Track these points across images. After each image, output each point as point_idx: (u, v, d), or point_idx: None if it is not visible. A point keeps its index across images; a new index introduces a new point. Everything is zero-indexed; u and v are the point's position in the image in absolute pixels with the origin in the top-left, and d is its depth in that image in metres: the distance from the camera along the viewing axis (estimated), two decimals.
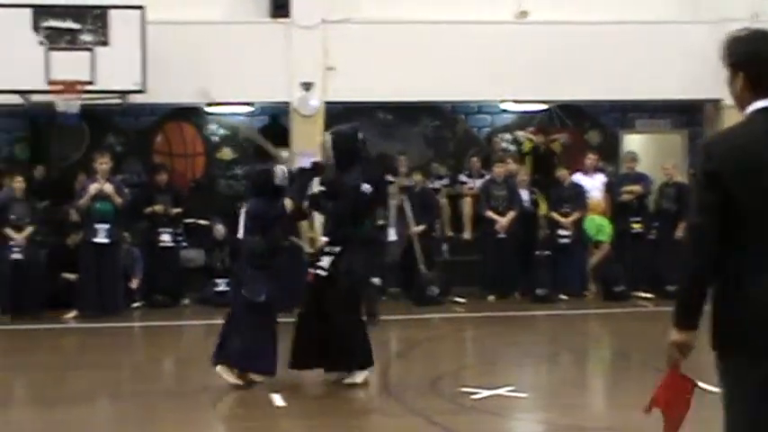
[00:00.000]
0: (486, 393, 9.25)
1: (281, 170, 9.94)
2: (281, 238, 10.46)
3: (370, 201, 9.55)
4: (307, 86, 16.98)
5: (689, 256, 4.26)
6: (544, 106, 19.14)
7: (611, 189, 17.28)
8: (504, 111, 19.41)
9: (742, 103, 4.27)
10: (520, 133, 18.85)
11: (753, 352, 4.10)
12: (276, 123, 18.73)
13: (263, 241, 9.61)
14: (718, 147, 4.21)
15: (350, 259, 9.52)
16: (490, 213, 16.47)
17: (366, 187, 9.48)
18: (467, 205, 17.72)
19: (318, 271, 9.58)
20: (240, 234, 9.88)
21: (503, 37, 17.45)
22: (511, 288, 16.46)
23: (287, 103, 17.31)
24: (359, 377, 9.63)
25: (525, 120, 19.46)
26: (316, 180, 10.27)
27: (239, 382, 9.58)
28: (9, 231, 14.86)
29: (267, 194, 9.75)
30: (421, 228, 16.46)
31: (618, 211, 17.01)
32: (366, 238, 9.59)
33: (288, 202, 9.71)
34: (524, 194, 16.94)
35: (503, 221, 16.36)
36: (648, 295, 16.13)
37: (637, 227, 16.80)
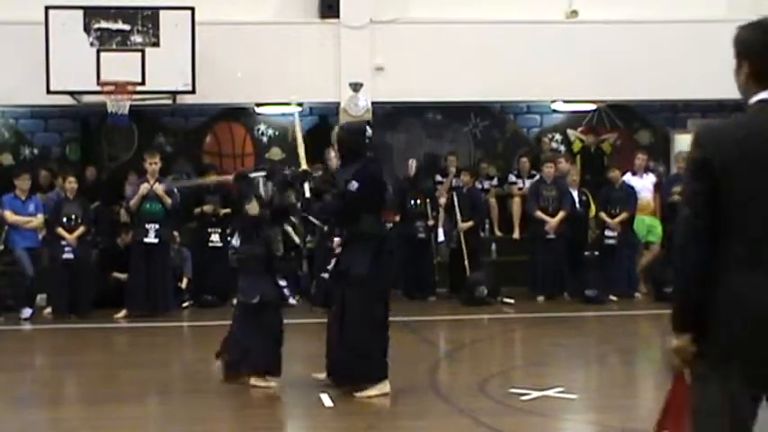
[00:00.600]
0: (535, 394, 9.19)
1: (260, 179, 10.10)
2: (273, 243, 10.68)
3: (355, 198, 9.45)
4: (355, 87, 16.99)
5: (682, 250, 4.02)
6: (594, 106, 19.04)
7: (661, 189, 17.14)
8: (554, 111, 19.32)
9: (746, 93, 4.11)
10: (570, 132, 18.75)
11: (733, 359, 3.93)
12: (324, 124, 18.76)
13: (254, 247, 9.81)
14: (713, 134, 4.05)
15: (349, 258, 9.42)
16: (539, 213, 16.38)
17: (353, 185, 9.33)
18: (515, 205, 17.66)
19: (324, 274, 9.53)
20: (234, 241, 10.29)
21: (553, 36, 17.37)
22: (560, 289, 16.37)
23: (336, 103, 17.33)
24: (373, 390, 9.27)
25: (575, 119, 19.37)
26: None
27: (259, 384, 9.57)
28: (61, 231, 14.98)
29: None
30: (469, 224, 16.45)
31: (669, 211, 16.84)
32: (365, 235, 9.41)
33: (253, 207, 9.81)
34: (575, 195, 16.83)
35: (552, 222, 16.26)
36: None
37: None
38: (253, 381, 9.59)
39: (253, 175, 10.33)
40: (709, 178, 3.94)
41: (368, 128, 9.68)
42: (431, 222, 16.66)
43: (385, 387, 9.28)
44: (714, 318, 3.95)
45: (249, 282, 9.73)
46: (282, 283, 11.04)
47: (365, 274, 9.16)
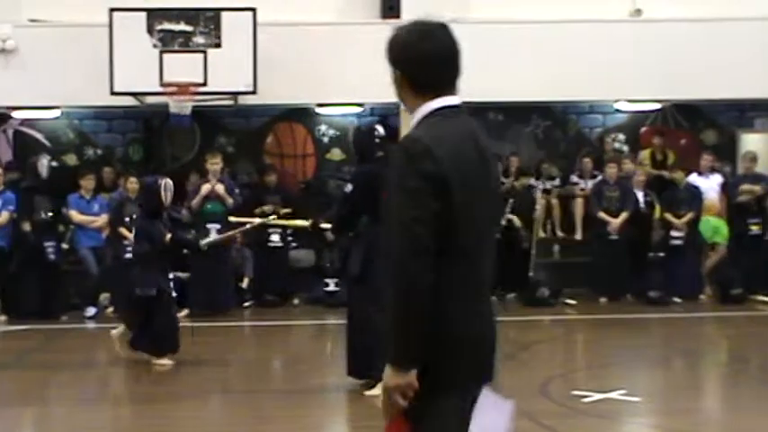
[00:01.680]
0: (597, 397, 9.10)
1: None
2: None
3: (350, 200, 9.49)
4: None
5: (405, 271, 3.59)
6: (658, 105, 18.82)
7: (727, 190, 16.92)
8: (617, 110, 19.13)
9: (407, 102, 3.88)
10: (642, 154, 18.47)
11: (451, 381, 3.73)
12: (385, 124, 18.71)
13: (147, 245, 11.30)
14: (441, 148, 3.66)
15: (348, 259, 9.57)
16: (602, 214, 16.22)
17: (348, 187, 9.61)
18: (578, 206, 17.51)
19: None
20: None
21: (616, 35, 17.19)
22: (623, 290, 16.20)
23: (396, 104, 17.22)
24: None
25: (639, 119, 19.16)
26: None
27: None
28: (123, 231, 15.09)
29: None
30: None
31: (735, 212, 16.64)
32: (361, 236, 9.44)
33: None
34: (639, 195, 16.64)
35: (615, 223, 16.10)
36: (766, 298, 15.74)
37: (755, 228, 16.42)
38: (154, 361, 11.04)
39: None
40: (442, 195, 3.62)
41: (379, 128, 9.67)
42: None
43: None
44: (441, 344, 3.68)
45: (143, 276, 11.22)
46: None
47: (358, 275, 9.34)
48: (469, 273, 3.74)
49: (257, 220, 13.76)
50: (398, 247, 3.61)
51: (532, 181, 17.41)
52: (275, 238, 16.13)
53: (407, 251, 3.59)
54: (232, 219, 14.19)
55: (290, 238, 16.42)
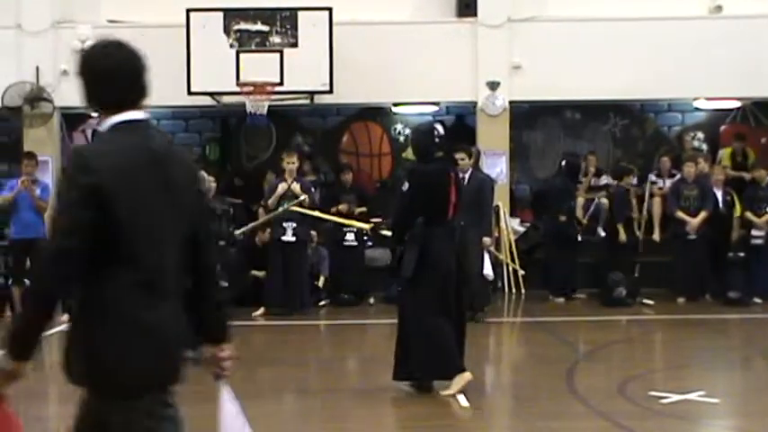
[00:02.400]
0: (675, 398, 8.98)
1: None
2: None
3: (406, 198, 9.42)
4: (493, 86, 16.89)
5: (41, 277, 3.84)
6: (738, 103, 18.55)
7: None
8: (696, 109, 18.90)
9: (98, 115, 4.11)
10: (722, 152, 18.22)
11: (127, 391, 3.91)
12: (462, 123, 18.70)
13: None
14: (101, 160, 3.86)
15: (400, 258, 9.48)
16: (680, 214, 15.98)
17: (405, 185, 9.51)
18: (656, 206, 17.29)
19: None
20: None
21: (695, 32, 16.99)
22: (702, 290, 15.97)
23: (473, 102, 17.26)
24: (452, 388, 9.25)
25: (718, 118, 18.90)
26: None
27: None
28: None
29: None
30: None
31: None
32: (414, 237, 9.38)
33: None
34: (719, 194, 16.38)
35: (693, 222, 15.86)
36: None
37: None
38: None
39: None
40: (99, 205, 3.79)
41: (438, 127, 9.61)
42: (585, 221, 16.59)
43: (458, 384, 9.21)
44: (110, 352, 3.84)
45: None
46: None
47: (410, 276, 9.25)
48: (142, 279, 3.87)
49: (296, 207, 13.96)
50: (44, 252, 3.87)
51: (634, 180, 17.23)
52: (350, 236, 16.14)
53: (48, 259, 3.83)
54: (270, 202, 14.37)
55: (365, 237, 16.43)
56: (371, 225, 11.79)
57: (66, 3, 17.28)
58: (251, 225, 14.45)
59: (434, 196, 9.39)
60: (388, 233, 10.36)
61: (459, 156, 13.54)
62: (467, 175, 13.52)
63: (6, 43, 16.89)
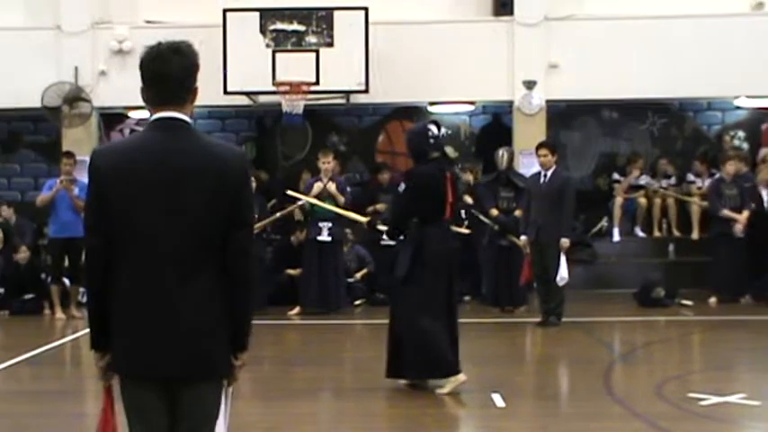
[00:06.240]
0: (715, 400, 8.88)
1: None
2: None
3: (402, 199, 9.46)
4: (529, 85, 16.81)
5: (85, 273, 4.28)
6: None
7: None
8: (737, 107, 18.73)
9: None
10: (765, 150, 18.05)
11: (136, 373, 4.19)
12: (498, 123, 18.64)
13: None
14: (102, 161, 4.16)
15: (397, 260, 9.48)
16: (727, 212, 15.72)
17: (401, 186, 9.53)
18: (695, 205, 17.16)
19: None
20: None
21: (736, 30, 16.85)
22: (742, 291, 15.79)
23: (509, 101, 17.19)
24: (446, 387, 9.32)
25: (759, 116, 18.72)
26: None
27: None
28: None
29: None
30: None
31: None
32: (409, 237, 9.35)
33: None
34: (764, 194, 16.18)
35: (741, 220, 15.59)
36: None
37: None
38: None
39: None
40: (101, 199, 4.11)
41: (432, 127, 9.53)
42: (604, 223, 16.49)
43: (452, 384, 9.27)
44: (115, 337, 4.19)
45: None
46: None
47: (404, 276, 9.26)
48: (138, 276, 4.10)
49: (312, 200, 13.97)
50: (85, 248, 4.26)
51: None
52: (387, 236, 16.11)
53: (85, 256, 4.27)
54: (290, 192, 14.42)
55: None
56: (368, 219, 11.76)
57: (104, 4, 17.39)
58: (262, 223, 14.54)
59: (431, 197, 9.38)
60: (384, 227, 10.34)
61: (540, 152, 13.44)
62: (549, 173, 13.40)
63: (46, 44, 17.02)
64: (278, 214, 15.25)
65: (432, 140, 9.44)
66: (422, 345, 9.27)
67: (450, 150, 18.81)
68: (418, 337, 9.26)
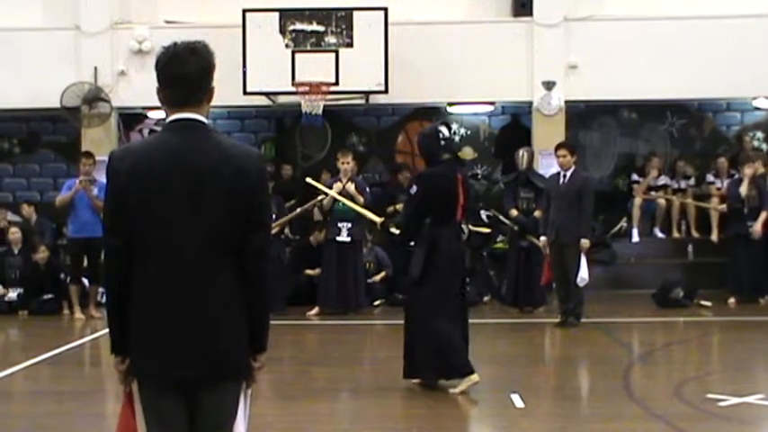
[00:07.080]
0: (733, 401, 8.86)
1: None
2: None
3: (414, 201, 9.44)
4: (548, 85, 16.80)
5: (104, 273, 4.29)
6: None
7: None
8: (756, 108, 18.67)
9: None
10: None
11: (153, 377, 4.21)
12: (517, 123, 18.63)
13: None
14: (121, 163, 4.17)
15: (410, 260, 9.52)
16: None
17: (413, 188, 9.52)
18: (713, 209, 17.11)
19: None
20: None
21: (755, 30, 16.80)
22: (761, 292, 15.74)
23: (528, 102, 17.18)
24: (459, 387, 9.35)
25: None
26: None
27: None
28: None
29: None
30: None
31: None
32: (422, 238, 9.37)
33: None
34: None
35: (757, 224, 15.54)
36: None
37: None
38: None
39: None
40: (120, 198, 4.13)
41: (443, 129, 9.54)
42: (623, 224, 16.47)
43: (465, 384, 9.29)
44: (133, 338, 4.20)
45: None
46: None
47: (418, 277, 9.31)
48: (157, 277, 4.12)
49: (332, 192, 14.01)
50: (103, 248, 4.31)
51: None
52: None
53: (104, 256, 4.29)
54: (309, 180, 14.54)
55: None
56: (382, 219, 11.77)
57: (123, 4, 17.45)
58: (281, 221, 14.66)
59: (443, 198, 9.40)
60: (396, 231, 10.36)
61: (559, 153, 13.44)
62: (568, 174, 13.40)
63: (65, 44, 17.09)
64: (298, 210, 15.31)
65: (442, 142, 9.46)
66: (435, 346, 9.30)
67: (469, 151, 18.88)
68: (431, 339, 9.30)
